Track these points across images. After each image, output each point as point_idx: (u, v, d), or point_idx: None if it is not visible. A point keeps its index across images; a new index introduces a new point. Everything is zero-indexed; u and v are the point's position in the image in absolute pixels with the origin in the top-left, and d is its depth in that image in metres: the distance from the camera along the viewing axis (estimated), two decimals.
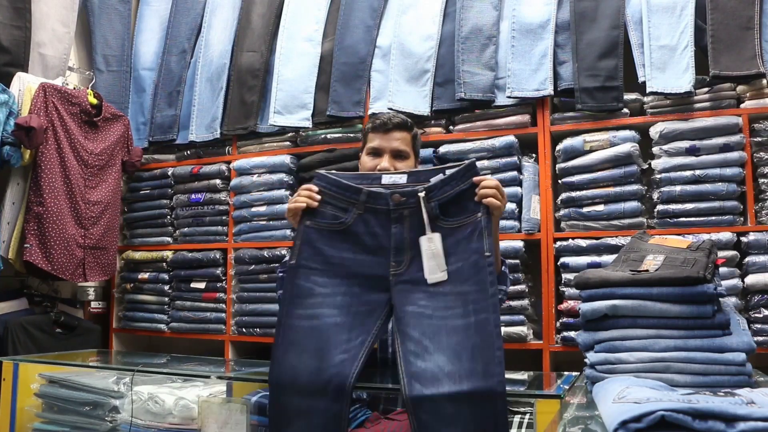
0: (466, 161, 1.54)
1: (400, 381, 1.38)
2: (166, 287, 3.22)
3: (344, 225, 1.54)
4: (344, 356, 1.43)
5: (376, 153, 1.85)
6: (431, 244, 1.47)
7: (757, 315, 2.24)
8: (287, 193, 2.99)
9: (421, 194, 1.49)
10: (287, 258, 1.81)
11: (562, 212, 2.57)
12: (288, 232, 2.97)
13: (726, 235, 2.30)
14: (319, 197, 1.57)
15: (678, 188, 2.40)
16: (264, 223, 3.03)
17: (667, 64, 2.46)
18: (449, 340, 1.39)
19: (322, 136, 3.00)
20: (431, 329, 1.41)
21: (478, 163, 2.64)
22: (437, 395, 1.33)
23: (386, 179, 1.57)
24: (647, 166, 2.50)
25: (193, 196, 3.20)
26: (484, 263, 1.44)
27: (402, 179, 1.56)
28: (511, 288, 2.55)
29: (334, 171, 1.62)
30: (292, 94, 3.03)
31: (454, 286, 1.45)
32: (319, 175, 1.59)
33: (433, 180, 1.51)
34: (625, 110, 2.54)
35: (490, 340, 1.37)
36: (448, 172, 1.52)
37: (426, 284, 1.46)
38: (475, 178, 1.52)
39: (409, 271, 1.49)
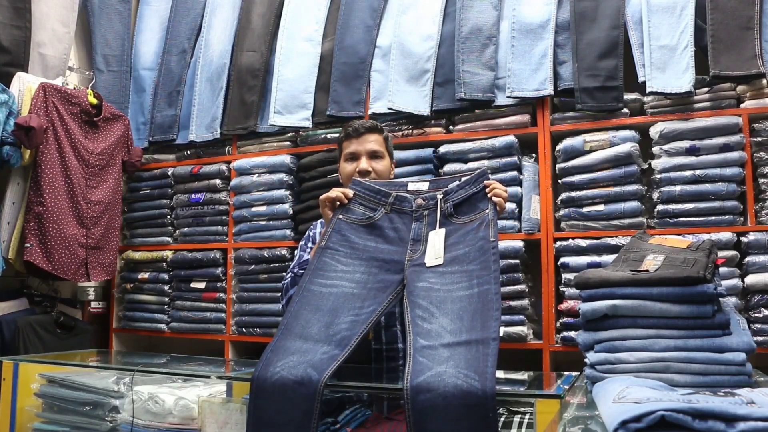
0: (480, 170, 1.74)
1: (407, 339, 1.48)
2: (166, 287, 3.22)
3: (372, 220, 1.75)
4: (355, 318, 1.55)
5: (353, 157, 1.99)
6: (436, 237, 1.68)
7: (757, 315, 2.24)
8: (287, 193, 2.99)
9: (440, 196, 1.72)
10: (292, 265, 1.96)
11: (562, 212, 2.57)
12: (288, 232, 2.97)
13: (726, 235, 2.30)
14: (351, 194, 1.77)
15: (678, 188, 2.40)
16: (264, 223, 3.03)
17: (667, 64, 2.46)
18: (453, 306, 1.52)
19: (322, 136, 3.00)
20: (438, 299, 1.54)
21: (478, 163, 2.66)
22: (437, 345, 1.44)
23: (412, 186, 1.79)
24: (647, 166, 2.50)
25: (193, 196, 3.20)
26: (489, 246, 1.61)
27: (425, 186, 1.79)
28: (511, 288, 2.55)
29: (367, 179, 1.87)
30: (292, 94, 3.04)
31: (461, 266, 1.61)
32: (355, 181, 1.82)
33: (450, 186, 1.74)
34: (625, 110, 2.54)
35: (489, 305, 1.51)
36: (464, 178, 1.74)
37: (437, 266, 1.63)
38: (486, 182, 1.71)
39: (423, 257, 1.67)
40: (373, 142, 1.99)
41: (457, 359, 1.38)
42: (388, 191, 1.77)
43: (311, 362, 1.45)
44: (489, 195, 1.69)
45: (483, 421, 1.30)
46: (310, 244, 1.99)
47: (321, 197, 1.80)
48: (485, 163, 2.66)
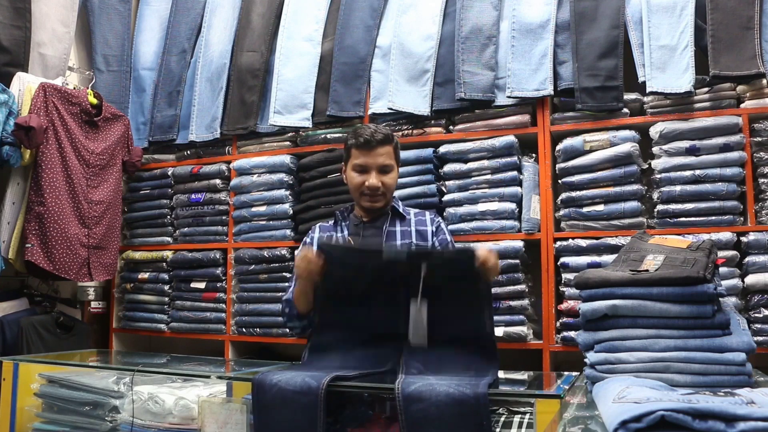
0: (467, 250, 1.66)
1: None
2: (166, 287, 3.22)
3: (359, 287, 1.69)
4: (356, 364, 1.58)
5: (363, 170, 1.96)
6: (419, 315, 1.56)
7: (757, 315, 2.24)
8: (287, 193, 2.99)
9: (424, 271, 1.57)
10: (289, 287, 1.94)
11: (562, 212, 2.57)
12: (288, 232, 2.97)
13: (726, 235, 2.30)
14: (321, 264, 1.68)
15: (678, 188, 2.40)
16: (264, 223, 3.02)
17: (667, 64, 2.46)
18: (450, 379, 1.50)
19: (322, 136, 3.00)
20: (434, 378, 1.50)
21: (478, 163, 2.66)
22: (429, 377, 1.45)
23: (387, 254, 1.66)
24: (647, 166, 2.50)
25: (193, 196, 3.20)
26: (486, 333, 1.63)
27: (402, 257, 1.66)
28: (511, 288, 2.55)
29: (340, 244, 1.83)
30: (292, 94, 3.03)
31: (455, 350, 1.60)
32: (323, 245, 1.73)
33: (437, 256, 1.66)
34: (625, 110, 2.54)
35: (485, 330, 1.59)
36: (447, 254, 1.68)
37: (431, 348, 1.57)
38: (478, 255, 1.61)
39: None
40: (384, 155, 1.96)
41: (449, 380, 1.40)
42: (361, 263, 1.67)
43: (309, 373, 1.46)
44: (478, 264, 1.60)
45: (477, 428, 1.30)
46: None
47: (301, 270, 1.72)
48: (485, 163, 2.66)
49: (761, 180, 2.32)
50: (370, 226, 2.02)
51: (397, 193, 2.31)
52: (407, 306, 1.57)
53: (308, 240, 2.06)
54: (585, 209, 2.52)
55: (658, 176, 2.44)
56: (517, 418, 1.76)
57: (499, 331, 2.52)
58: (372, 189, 1.95)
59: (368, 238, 1.95)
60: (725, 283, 2.22)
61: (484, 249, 1.63)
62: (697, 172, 2.38)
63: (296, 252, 2.10)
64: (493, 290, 2.52)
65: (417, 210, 2.14)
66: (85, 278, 3.00)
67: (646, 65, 2.49)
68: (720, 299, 1.32)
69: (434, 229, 2.04)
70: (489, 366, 1.57)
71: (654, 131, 2.45)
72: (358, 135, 1.98)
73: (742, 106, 2.39)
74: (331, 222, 2.12)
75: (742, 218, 2.36)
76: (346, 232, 2.02)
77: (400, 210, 2.07)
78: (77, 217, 2.95)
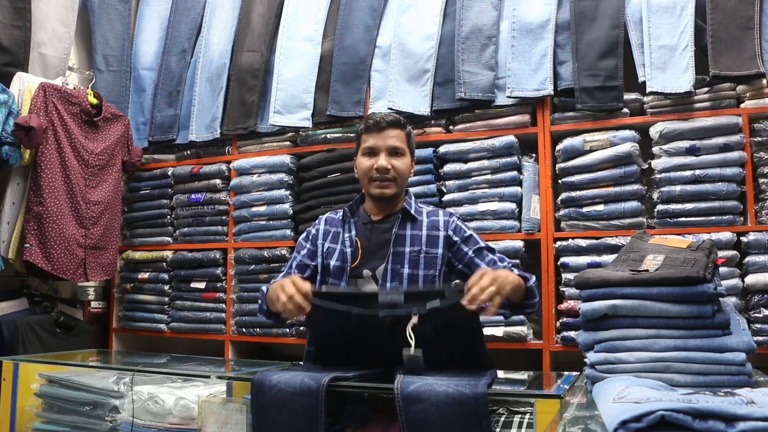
0: (457, 286, 1.53)
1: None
2: (166, 287, 3.22)
3: (343, 331, 1.59)
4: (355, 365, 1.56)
5: (372, 152, 1.84)
6: (414, 362, 1.46)
7: (757, 315, 2.24)
8: (287, 193, 2.99)
9: (414, 320, 1.45)
10: (287, 268, 1.91)
11: (562, 212, 2.57)
12: (288, 232, 2.97)
13: (726, 235, 2.30)
14: (308, 310, 1.54)
15: (678, 188, 2.40)
16: (264, 222, 3.03)
17: (667, 64, 2.46)
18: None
19: (322, 136, 3.00)
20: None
21: (478, 163, 2.66)
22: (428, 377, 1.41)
23: (383, 297, 1.52)
24: (647, 166, 2.50)
25: (193, 196, 3.20)
26: (480, 355, 1.61)
27: (400, 298, 1.50)
28: None
29: (330, 292, 1.65)
30: (292, 94, 3.03)
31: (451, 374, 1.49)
32: (311, 300, 1.54)
33: (429, 305, 1.46)
34: (625, 110, 2.54)
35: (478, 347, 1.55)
36: (444, 301, 1.46)
37: (428, 371, 1.48)
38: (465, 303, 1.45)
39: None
40: (394, 137, 1.83)
41: (448, 379, 1.37)
42: (348, 311, 1.50)
43: (308, 374, 1.45)
44: (469, 306, 1.44)
45: (477, 429, 1.30)
46: (308, 246, 1.93)
47: (279, 302, 1.55)
48: (485, 163, 2.66)
49: (761, 180, 2.32)
50: (378, 228, 1.89)
51: None
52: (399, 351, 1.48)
53: (313, 231, 1.95)
54: (585, 209, 2.52)
55: (658, 176, 2.44)
56: (517, 418, 1.76)
57: (499, 331, 2.52)
58: (381, 170, 1.81)
59: (363, 285, 1.83)
60: (725, 283, 2.22)
61: (475, 278, 1.47)
62: (697, 172, 2.38)
63: (295, 247, 2.02)
64: None
65: (431, 209, 1.96)
66: (81, 278, 3.00)
67: (646, 65, 2.49)
68: (720, 299, 1.32)
69: (450, 233, 1.87)
70: (486, 370, 1.56)
71: (654, 131, 2.45)
72: (368, 119, 1.88)
73: (742, 106, 2.39)
74: (340, 214, 1.97)
75: (742, 218, 2.36)
76: (353, 232, 1.89)
77: (412, 211, 1.89)
78: (75, 218, 2.95)
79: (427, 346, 1.47)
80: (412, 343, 1.44)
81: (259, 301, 1.86)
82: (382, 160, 1.81)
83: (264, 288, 1.84)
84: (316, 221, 1.99)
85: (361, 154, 1.87)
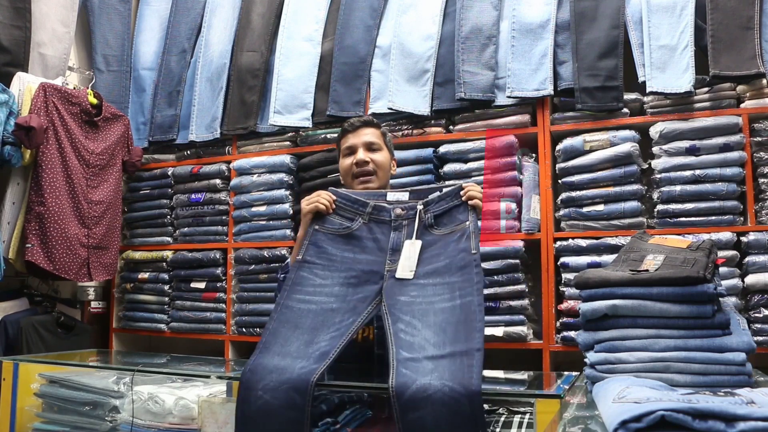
0: (459, 183, 1.74)
1: (389, 352, 1.44)
2: (166, 287, 3.22)
3: (349, 230, 1.73)
4: (334, 333, 1.53)
5: (351, 151, 1.98)
6: (412, 248, 1.66)
7: (757, 315, 2.24)
8: (287, 193, 2.99)
9: (420, 206, 1.70)
10: (288, 260, 1.94)
11: (562, 212, 2.57)
12: (288, 231, 2.97)
13: (726, 235, 2.30)
14: (334, 204, 1.76)
15: (678, 188, 2.40)
16: (264, 222, 3.03)
17: (667, 63, 2.46)
18: (436, 319, 1.51)
19: (322, 136, 3.00)
20: (420, 312, 1.53)
21: (478, 163, 2.66)
22: (420, 357, 1.42)
23: (391, 196, 1.76)
24: (647, 166, 2.50)
25: (193, 196, 3.20)
26: (470, 258, 1.61)
27: (405, 196, 1.75)
28: (511, 288, 2.55)
29: (343, 189, 1.82)
30: (292, 94, 3.03)
31: (443, 278, 1.60)
32: (332, 190, 1.79)
33: (431, 196, 1.72)
34: (625, 110, 2.54)
35: (472, 316, 1.50)
36: (445, 189, 1.72)
37: (417, 278, 1.61)
38: (463, 184, 1.72)
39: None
40: (369, 134, 1.98)
41: (441, 371, 1.37)
42: (365, 201, 1.75)
43: (292, 383, 1.42)
44: (464, 198, 1.69)
45: (473, 428, 1.31)
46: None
47: (307, 207, 1.77)
48: (485, 163, 2.65)
49: (761, 180, 2.32)
50: None
51: None
52: (394, 249, 1.66)
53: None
54: (585, 209, 2.52)
55: (658, 176, 2.44)
56: (517, 418, 1.76)
57: (499, 331, 2.52)
58: (360, 164, 1.93)
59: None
60: (725, 283, 2.22)
61: (470, 184, 1.73)
62: (697, 172, 2.38)
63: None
64: (493, 290, 2.54)
65: None
66: (84, 278, 3.00)
67: (646, 65, 2.49)
68: (720, 299, 1.32)
69: None
70: (475, 323, 1.49)
71: (654, 131, 2.45)
72: (343, 124, 2.05)
73: (742, 106, 2.39)
74: None
75: (742, 218, 2.36)
76: None
77: None
78: (77, 217, 2.95)
79: (426, 247, 1.65)
80: (415, 232, 1.67)
81: (280, 276, 1.92)
82: (360, 154, 1.95)
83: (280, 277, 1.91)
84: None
85: (342, 155, 2.02)
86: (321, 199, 1.76)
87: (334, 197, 1.76)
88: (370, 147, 1.97)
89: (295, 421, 1.39)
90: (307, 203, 1.78)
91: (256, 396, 1.44)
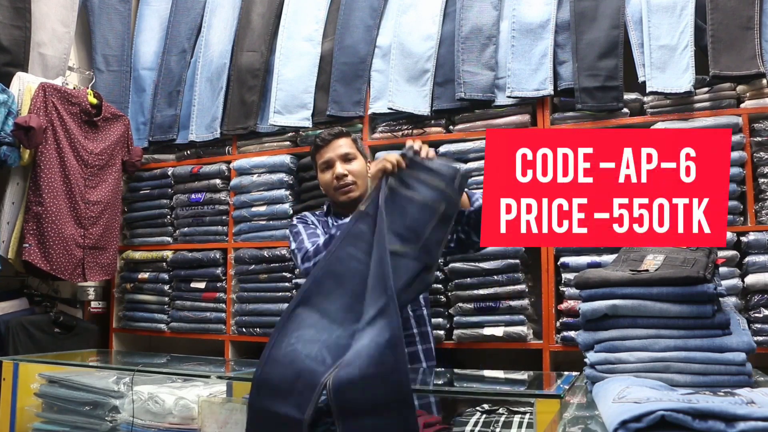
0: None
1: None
2: (166, 287, 3.21)
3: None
4: (354, 330, 1.54)
5: (328, 165, 2.07)
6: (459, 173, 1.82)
7: (757, 315, 2.24)
8: (287, 193, 2.99)
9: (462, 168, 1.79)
10: (307, 248, 1.92)
11: None
12: (288, 231, 2.96)
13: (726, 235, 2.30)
14: (404, 165, 1.71)
15: None
16: (264, 223, 3.02)
17: (667, 63, 2.46)
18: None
19: None
20: None
21: (478, 163, 2.65)
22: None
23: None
24: None
25: (193, 196, 3.20)
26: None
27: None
28: (511, 288, 2.55)
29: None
30: (292, 94, 3.03)
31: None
32: (409, 156, 1.74)
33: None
34: (625, 110, 2.54)
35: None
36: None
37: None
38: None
39: None
40: (343, 145, 2.08)
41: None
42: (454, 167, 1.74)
43: (317, 353, 1.48)
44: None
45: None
46: (310, 225, 2.05)
47: (377, 167, 1.71)
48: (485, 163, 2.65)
49: (761, 180, 2.32)
50: None
51: None
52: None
53: (308, 220, 2.11)
54: None
55: None
56: (517, 418, 1.76)
57: (499, 331, 2.52)
58: (339, 177, 2.04)
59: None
60: (725, 283, 2.22)
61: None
62: None
63: (292, 244, 2.08)
64: (493, 290, 2.54)
65: None
66: (79, 279, 2.99)
67: (646, 65, 2.49)
68: (720, 299, 1.32)
69: None
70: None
71: None
72: (315, 139, 2.13)
73: (742, 106, 2.39)
74: (319, 212, 2.20)
75: (742, 218, 2.36)
76: (339, 223, 2.05)
77: None
78: (73, 218, 2.95)
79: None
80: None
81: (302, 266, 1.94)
82: (339, 168, 2.04)
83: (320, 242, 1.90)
84: (301, 216, 2.17)
85: (320, 171, 2.10)
86: (390, 159, 1.71)
87: (404, 164, 1.71)
88: (345, 158, 2.06)
89: (314, 371, 1.44)
90: (381, 167, 1.73)
91: (288, 342, 1.48)
